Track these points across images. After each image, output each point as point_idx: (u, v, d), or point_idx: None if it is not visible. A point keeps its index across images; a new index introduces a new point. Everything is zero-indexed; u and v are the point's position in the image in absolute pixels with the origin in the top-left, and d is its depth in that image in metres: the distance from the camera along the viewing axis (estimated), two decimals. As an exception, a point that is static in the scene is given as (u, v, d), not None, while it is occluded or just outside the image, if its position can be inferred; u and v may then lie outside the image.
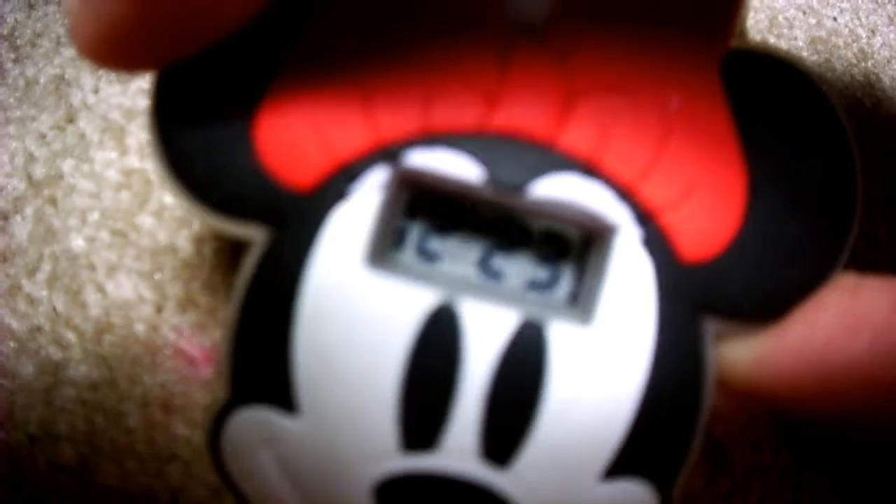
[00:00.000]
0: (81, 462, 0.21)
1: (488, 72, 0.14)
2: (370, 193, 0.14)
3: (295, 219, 0.14)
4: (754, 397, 0.14)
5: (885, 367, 0.13)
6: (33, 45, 0.25)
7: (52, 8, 0.25)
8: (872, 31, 0.28)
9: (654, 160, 0.14)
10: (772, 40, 0.27)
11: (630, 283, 0.14)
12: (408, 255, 0.15)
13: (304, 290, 0.14)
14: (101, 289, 0.22)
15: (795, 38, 0.27)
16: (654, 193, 0.14)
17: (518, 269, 0.15)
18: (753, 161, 0.14)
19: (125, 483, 0.21)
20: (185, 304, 0.21)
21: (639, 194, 0.14)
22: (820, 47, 0.27)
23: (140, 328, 0.21)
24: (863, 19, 0.28)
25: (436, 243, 0.15)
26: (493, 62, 0.14)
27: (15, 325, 0.22)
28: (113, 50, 0.13)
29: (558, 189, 0.14)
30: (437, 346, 0.14)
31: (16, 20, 0.25)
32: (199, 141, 0.14)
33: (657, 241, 0.14)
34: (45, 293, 0.22)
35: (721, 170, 0.14)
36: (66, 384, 0.21)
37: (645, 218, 0.14)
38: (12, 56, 0.24)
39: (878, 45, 0.28)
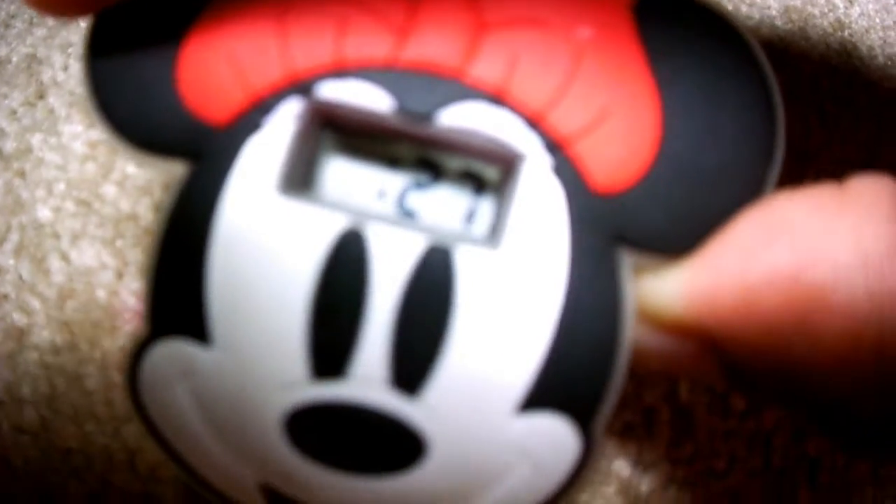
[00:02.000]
0: (44, 425, 0.21)
1: (399, 7, 0.14)
2: (283, 124, 0.14)
3: (212, 152, 0.14)
4: (683, 331, 0.14)
5: (807, 270, 0.12)
6: (7, 25, 0.25)
7: (26, -11, 0.26)
8: (850, 2, 0.28)
9: (563, 90, 0.14)
10: (744, 9, 0.27)
11: (539, 210, 0.14)
12: (321, 188, 0.15)
13: (217, 220, 0.14)
14: (64, 257, 0.22)
15: (769, 7, 0.27)
16: (564, 122, 0.14)
17: (433, 206, 0.15)
18: (666, 94, 0.14)
19: (84, 445, 0.21)
20: (145, 269, 0.22)
21: (548, 122, 0.14)
22: (794, 16, 0.27)
23: (101, 294, 0.22)
24: (840, -11, 0.28)
25: (351, 180, 0.15)
26: None
27: (-18, 293, 0.22)
28: None
29: (465, 117, 0.14)
30: (344, 270, 0.14)
31: (-9, 2, 0.26)
32: (127, 81, 0.15)
33: (568, 170, 0.14)
34: (11, 262, 0.22)
35: (633, 101, 0.14)
36: (30, 348, 0.22)
37: (555, 146, 0.14)
38: (-13, 36, 0.25)
39: (856, 14, 0.28)
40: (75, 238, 0.22)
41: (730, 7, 0.27)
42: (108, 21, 0.15)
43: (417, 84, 0.14)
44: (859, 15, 0.28)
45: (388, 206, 0.15)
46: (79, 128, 0.23)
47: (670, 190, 0.14)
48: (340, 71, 0.14)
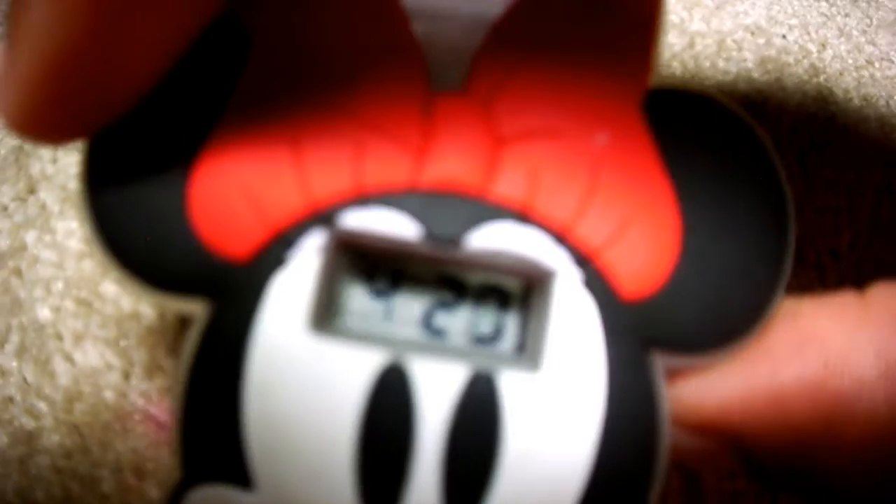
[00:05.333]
0: (59, 530, 0.21)
1: (414, 126, 0.14)
2: (308, 258, 0.14)
3: (234, 290, 0.14)
4: (710, 429, 0.14)
5: (833, 379, 0.13)
6: (-8, 118, 0.25)
7: (8, 80, 0.25)
8: (823, 45, 0.29)
9: (586, 201, 0.14)
10: (721, 64, 0.27)
11: (575, 326, 0.14)
12: (350, 319, 0.15)
13: (249, 362, 0.14)
14: (69, 358, 0.22)
15: (745, 60, 0.28)
16: (590, 234, 0.14)
17: (461, 324, 0.15)
18: (684, 193, 0.14)
19: (102, 549, 0.21)
20: (152, 370, 0.22)
21: (575, 236, 0.14)
22: (770, 66, 0.28)
23: (109, 395, 0.22)
24: (812, 34, 0.29)
25: (377, 306, 0.15)
26: (418, 116, 0.14)
27: (-13, 398, 0.22)
28: (35, 119, 0.13)
29: (494, 238, 0.14)
30: (389, 406, 0.14)
31: (-27, 95, 0.25)
32: (132, 215, 0.14)
33: (598, 282, 0.14)
34: (14, 364, 0.22)
35: (654, 205, 0.14)
36: (41, 452, 0.21)
37: (583, 259, 0.14)
38: (-28, 130, 0.25)
39: (829, 58, 0.28)
40: (78, 339, 0.22)
41: (707, 63, 0.27)
42: (102, 150, 0.14)
43: (442, 207, 0.14)
44: (832, 58, 0.29)
45: (415, 329, 0.15)
46: (73, 224, 0.23)
47: (695, 290, 0.14)
48: (362, 198, 0.14)
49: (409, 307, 0.15)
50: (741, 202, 0.15)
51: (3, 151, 0.24)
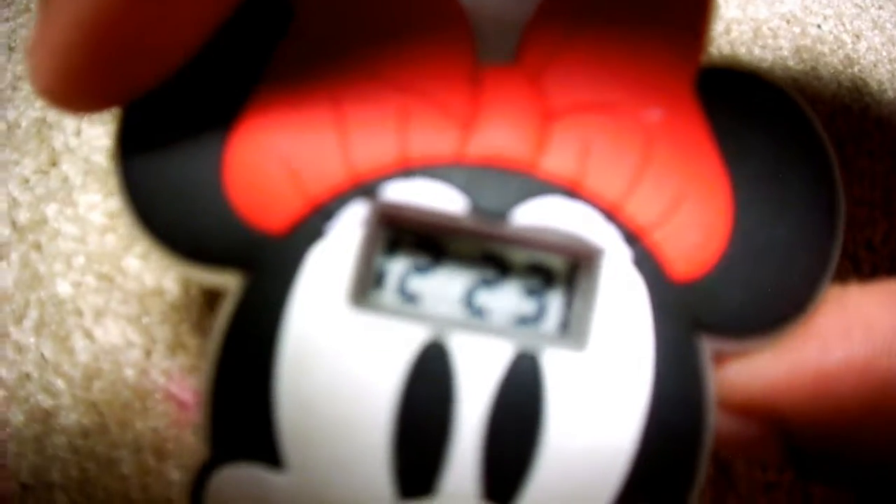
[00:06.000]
0: (75, 511, 0.20)
1: (461, 97, 0.14)
2: (349, 231, 0.14)
3: (271, 262, 0.14)
4: (754, 412, 0.14)
5: (880, 362, 0.13)
6: (14, 88, 0.24)
7: (30, 51, 0.25)
8: (857, 36, 0.28)
9: (637, 178, 0.14)
10: (756, 51, 0.27)
11: (623, 305, 0.14)
12: (389, 296, 0.14)
13: (283, 337, 0.13)
14: (88, 334, 0.21)
15: (780, 48, 0.27)
16: (641, 211, 0.14)
17: (504, 303, 0.14)
18: (736, 174, 0.14)
19: (120, 531, 0.20)
20: (174, 348, 0.21)
21: (625, 213, 0.14)
22: (805, 56, 0.27)
23: (129, 373, 0.21)
24: (847, 25, 0.28)
25: (417, 283, 0.14)
26: (465, 86, 0.14)
27: (3, 372, 0.21)
28: (70, 87, 0.13)
29: (542, 214, 0.14)
30: (428, 385, 0.13)
31: (-5, 64, 0.25)
32: (167, 185, 0.14)
33: (647, 261, 0.14)
34: (32, 340, 0.21)
35: (705, 184, 0.14)
36: (58, 432, 0.21)
37: (633, 237, 0.14)
38: (-7, 101, 0.24)
39: (864, 49, 0.28)
40: (98, 315, 0.21)
41: (743, 50, 0.27)
42: (137, 118, 0.14)
43: (489, 181, 0.14)
44: (867, 49, 0.28)
45: (456, 306, 0.14)
46: (96, 197, 0.22)
47: (745, 272, 0.14)
48: (406, 169, 0.14)
49: (451, 284, 0.15)
50: (792, 184, 0.14)
51: (24, 123, 0.24)
